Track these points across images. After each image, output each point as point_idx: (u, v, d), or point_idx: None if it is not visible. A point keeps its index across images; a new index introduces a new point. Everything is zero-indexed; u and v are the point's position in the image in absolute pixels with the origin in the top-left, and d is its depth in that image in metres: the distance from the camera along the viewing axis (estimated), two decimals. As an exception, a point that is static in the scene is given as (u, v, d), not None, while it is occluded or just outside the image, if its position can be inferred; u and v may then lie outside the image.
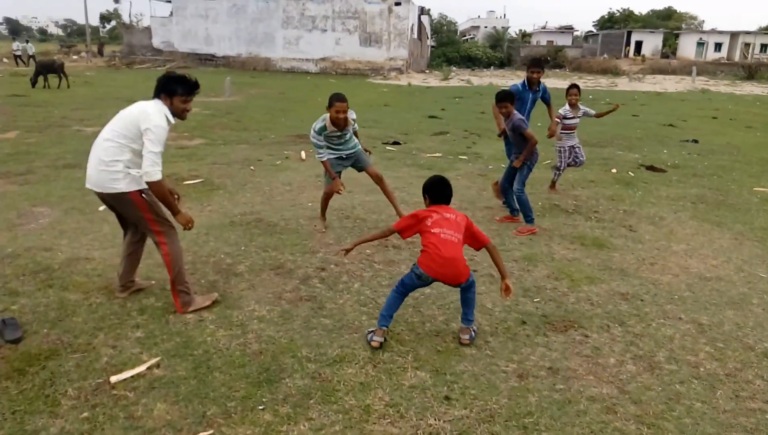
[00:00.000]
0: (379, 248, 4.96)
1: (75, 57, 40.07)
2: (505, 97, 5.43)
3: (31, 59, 30.80)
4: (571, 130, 6.96)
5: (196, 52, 36.90)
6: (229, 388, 2.87)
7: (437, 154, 9.74)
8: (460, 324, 3.50)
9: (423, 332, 3.54)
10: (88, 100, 16.11)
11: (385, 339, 3.36)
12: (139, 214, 3.47)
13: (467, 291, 3.43)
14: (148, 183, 3.36)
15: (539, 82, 6.32)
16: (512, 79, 36.72)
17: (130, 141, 3.36)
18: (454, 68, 44.93)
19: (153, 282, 4.01)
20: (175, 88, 3.46)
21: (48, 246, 4.70)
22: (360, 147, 5.41)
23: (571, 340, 3.51)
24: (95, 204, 5.95)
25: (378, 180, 5.42)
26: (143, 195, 3.44)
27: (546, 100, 6.58)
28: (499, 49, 56.69)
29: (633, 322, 3.77)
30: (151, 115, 3.36)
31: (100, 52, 42.77)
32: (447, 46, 55.03)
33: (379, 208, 6.23)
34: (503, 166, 6.67)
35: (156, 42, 37.86)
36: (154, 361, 3.06)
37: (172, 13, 37.68)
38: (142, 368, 2.98)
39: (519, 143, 5.62)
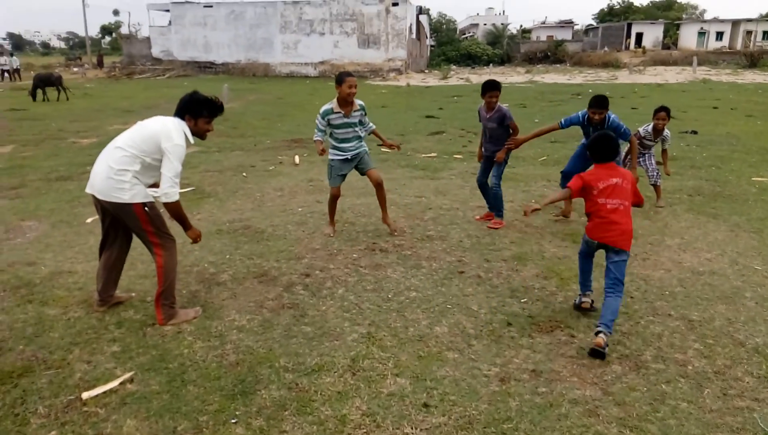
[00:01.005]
0: (365, 252, 4.90)
1: (76, 69, 40.24)
2: (492, 87, 5.36)
3: (16, 73, 31.01)
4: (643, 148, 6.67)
5: (195, 60, 37.02)
6: (202, 402, 2.81)
7: (432, 154, 9.67)
8: (596, 328, 3.29)
9: (405, 337, 3.47)
10: (85, 112, 16.16)
11: (592, 301, 3.74)
12: (140, 225, 3.46)
13: (614, 288, 3.38)
14: (165, 204, 3.38)
15: (604, 122, 5.19)
16: (512, 75, 36.64)
17: (144, 154, 3.36)
18: (453, 67, 44.85)
19: (133, 294, 3.97)
20: (201, 110, 3.50)
21: (32, 260, 4.66)
22: (366, 149, 5.29)
23: (557, 341, 3.43)
24: (83, 216, 5.94)
25: (377, 185, 5.24)
26: (146, 208, 3.44)
27: (623, 138, 5.25)
28: (499, 46, 56.49)
29: (621, 320, 3.68)
30: (172, 133, 3.37)
31: (100, 64, 42.86)
32: (446, 45, 54.93)
33: (369, 211, 6.17)
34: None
35: (155, 51, 38.02)
36: (127, 375, 3.00)
37: (170, 22, 37.82)
38: (114, 383, 2.93)
39: (500, 136, 5.49)
